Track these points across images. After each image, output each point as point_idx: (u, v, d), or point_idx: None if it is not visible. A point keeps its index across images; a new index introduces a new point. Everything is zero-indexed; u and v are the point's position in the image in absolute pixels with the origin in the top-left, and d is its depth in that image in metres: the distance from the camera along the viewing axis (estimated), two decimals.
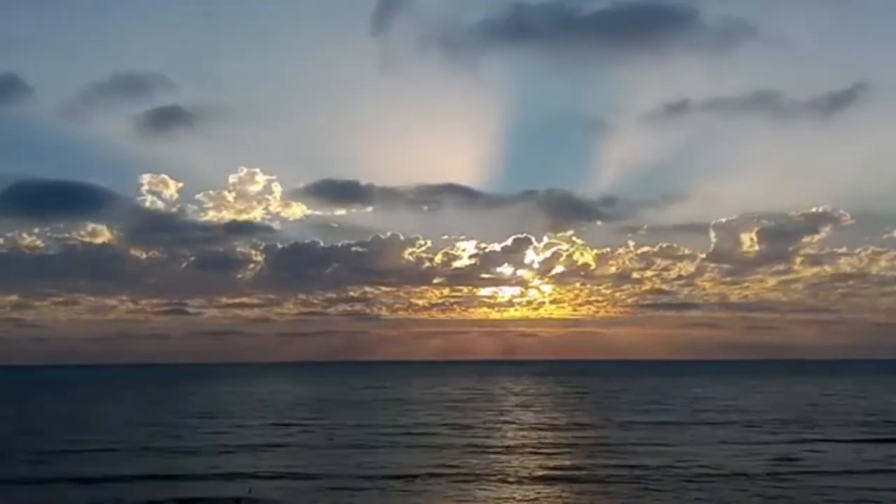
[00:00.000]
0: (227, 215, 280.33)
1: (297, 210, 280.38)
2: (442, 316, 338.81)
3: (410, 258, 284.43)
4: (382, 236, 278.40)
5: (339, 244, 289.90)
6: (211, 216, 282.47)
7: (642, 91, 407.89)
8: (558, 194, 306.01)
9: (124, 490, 25.55)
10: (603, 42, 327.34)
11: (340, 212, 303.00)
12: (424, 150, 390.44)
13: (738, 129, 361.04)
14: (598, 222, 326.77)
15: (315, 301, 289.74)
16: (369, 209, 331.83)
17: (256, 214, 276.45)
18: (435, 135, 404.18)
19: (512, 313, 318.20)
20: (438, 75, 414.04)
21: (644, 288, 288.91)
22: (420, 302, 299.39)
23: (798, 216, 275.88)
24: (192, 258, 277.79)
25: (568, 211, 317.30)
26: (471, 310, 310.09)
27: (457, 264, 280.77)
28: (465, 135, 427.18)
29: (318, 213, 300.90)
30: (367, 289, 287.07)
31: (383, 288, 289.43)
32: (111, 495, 24.69)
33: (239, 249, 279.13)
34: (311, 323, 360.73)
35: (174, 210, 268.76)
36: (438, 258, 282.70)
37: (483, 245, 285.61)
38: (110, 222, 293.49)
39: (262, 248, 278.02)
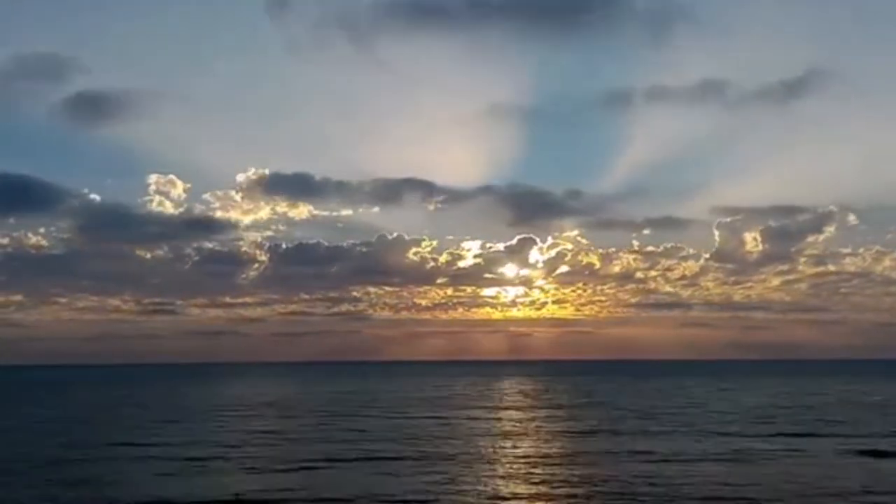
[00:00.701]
0: (234, 215, 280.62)
1: (304, 210, 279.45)
2: (445, 316, 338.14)
3: (415, 258, 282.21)
4: (389, 236, 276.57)
5: (344, 244, 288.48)
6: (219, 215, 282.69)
7: (577, 78, 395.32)
8: (521, 189, 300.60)
9: None
10: (524, 24, 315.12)
11: (346, 212, 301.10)
12: (378, 144, 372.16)
13: (688, 119, 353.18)
14: (566, 218, 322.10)
15: (318, 301, 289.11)
16: (375, 209, 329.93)
17: (264, 214, 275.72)
18: (384, 127, 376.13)
19: (515, 313, 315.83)
20: (365, 64, 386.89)
21: (648, 287, 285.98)
22: (423, 302, 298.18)
23: (768, 208, 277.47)
24: (197, 258, 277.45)
25: (533, 207, 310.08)
26: (474, 310, 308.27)
27: (461, 264, 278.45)
28: (419, 127, 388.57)
29: (324, 213, 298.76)
30: (371, 289, 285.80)
31: (387, 288, 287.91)
32: None
33: (244, 249, 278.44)
34: (313, 323, 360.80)
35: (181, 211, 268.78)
36: (443, 258, 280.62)
37: (488, 245, 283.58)
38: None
39: (266, 247, 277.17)
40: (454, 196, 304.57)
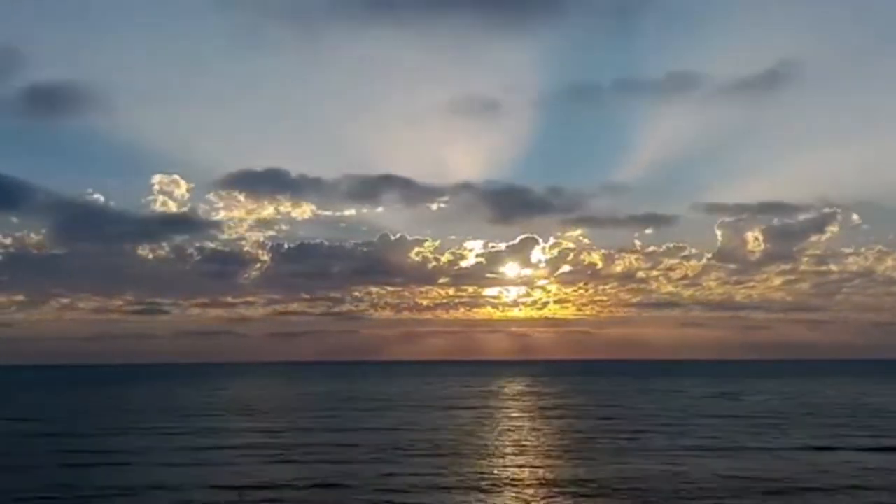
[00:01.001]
0: (237, 214, 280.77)
1: (307, 209, 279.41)
2: (447, 316, 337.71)
3: (417, 258, 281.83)
4: (392, 236, 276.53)
5: (347, 244, 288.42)
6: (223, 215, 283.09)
7: (542, 70, 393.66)
8: (498, 186, 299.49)
9: None
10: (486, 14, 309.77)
11: (349, 211, 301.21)
12: (354, 140, 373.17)
13: (687, 116, 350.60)
14: (545, 215, 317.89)
15: (320, 300, 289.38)
16: (379, 209, 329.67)
17: (266, 213, 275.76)
18: (357, 122, 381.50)
19: (516, 313, 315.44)
20: (324, 52, 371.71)
21: (649, 287, 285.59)
22: (425, 302, 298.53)
23: (770, 207, 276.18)
24: (198, 258, 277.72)
25: (513, 204, 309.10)
26: (475, 310, 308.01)
27: (463, 264, 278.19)
28: (391, 121, 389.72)
29: (326, 212, 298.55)
30: (373, 289, 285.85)
31: (389, 288, 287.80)
32: None
33: (246, 249, 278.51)
34: (314, 323, 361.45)
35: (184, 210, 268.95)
36: (445, 258, 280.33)
37: (491, 245, 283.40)
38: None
39: (268, 247, 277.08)
40: (451, 194, 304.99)
